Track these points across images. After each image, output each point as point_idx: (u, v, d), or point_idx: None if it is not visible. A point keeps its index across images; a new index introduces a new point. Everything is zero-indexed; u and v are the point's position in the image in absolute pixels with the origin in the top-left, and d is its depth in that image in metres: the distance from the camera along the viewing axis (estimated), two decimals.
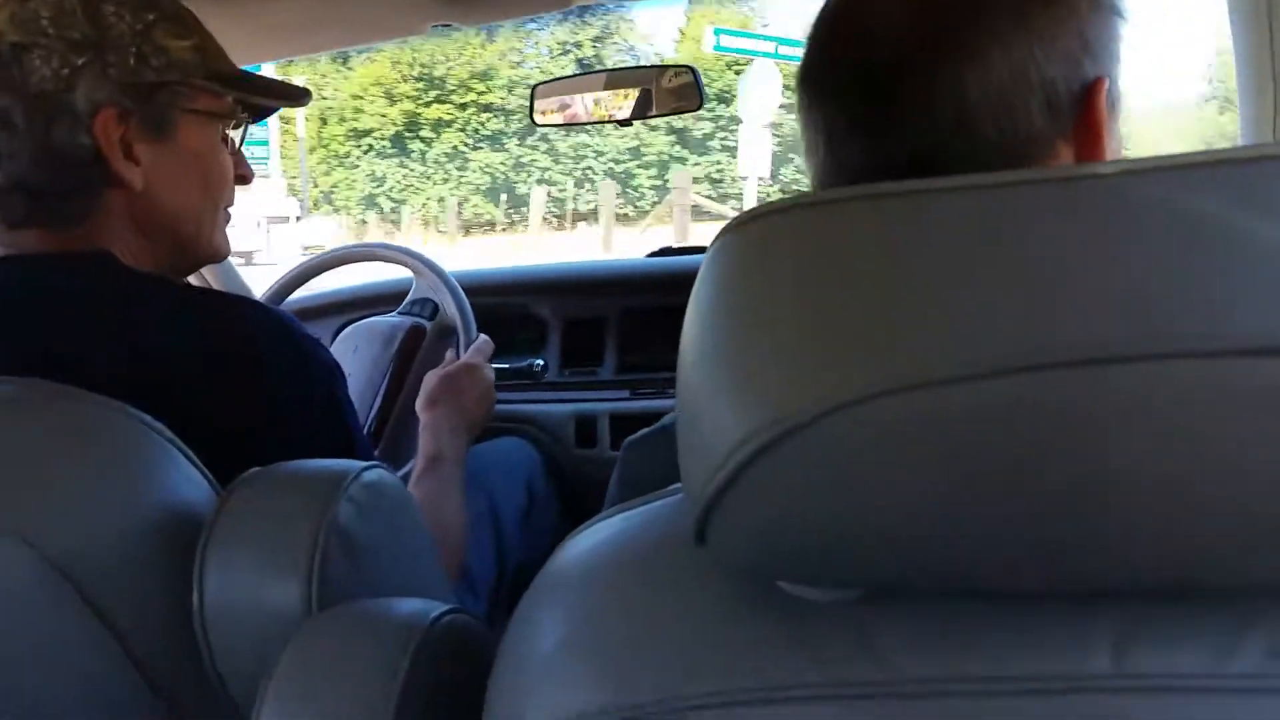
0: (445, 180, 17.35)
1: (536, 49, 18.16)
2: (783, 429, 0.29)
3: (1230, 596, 0.33)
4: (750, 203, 11.28)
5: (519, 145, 17.41)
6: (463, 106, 17.40)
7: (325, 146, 17.32)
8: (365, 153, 17.21)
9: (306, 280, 1.45)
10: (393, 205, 17.11)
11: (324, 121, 17.36)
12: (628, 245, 10.33)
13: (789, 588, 0.37)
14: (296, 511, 0.55)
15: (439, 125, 17.39)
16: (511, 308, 1.55)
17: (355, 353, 1.34)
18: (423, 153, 17.38)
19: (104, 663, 0.55)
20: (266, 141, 13.60)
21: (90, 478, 0.55)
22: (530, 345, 1.55)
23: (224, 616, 0.54)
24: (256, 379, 0.68)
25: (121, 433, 0.57)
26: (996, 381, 0.27)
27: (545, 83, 1.46)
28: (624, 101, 1.41)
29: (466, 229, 16.47)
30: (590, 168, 17.06)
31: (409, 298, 1.40)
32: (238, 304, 0.71)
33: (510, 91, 17.61)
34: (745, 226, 0.32)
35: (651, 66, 1.45)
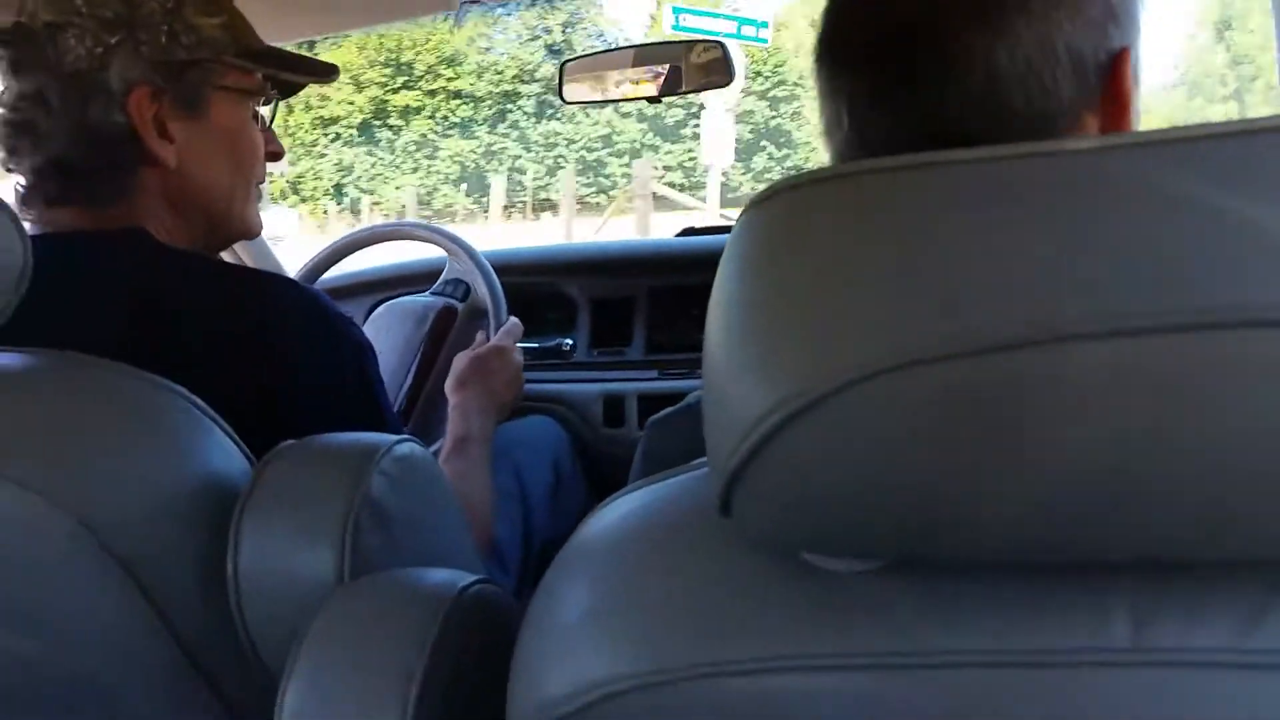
0: (415, 169, 17.18)
1: (505, 34, 18.00)
2: (807, 400, 0.29)
3: (1250, 572, 0.33)
4: (714, 192, 11.26)
5: (489, 133, 17.27)
6: (431, 93, 17.21)
7: (291, 135, 17.04)
8: (333, 141, 16.98)
9: (340, 259, 1.45)
10: (363, 195, 16.92)
11: (290, 109, 17.08)
12: (589, 235, 10.23)
13: (812, 559, 0.37)
14: (330, 483, 0.56)
15: (407, 112, 17.19)
16: (541, 287, 1.55)
17: (387, 332, 1.34)
18: (391, 141, 17.19)
19: (142, 634, 0.56)
20: None
21: (126, 447, 0.56)
22: (559, 325, 1.55)
23: (258, 585, 0.55)
24: (289, 355, 0.69)
25: (157, 404, 0.58)
26: (1015, 354, 0.27)
27: (574, 59, 1.45)
28: (653, 81, 1.40)
29: (427, 218, 16.35)
30: (562, 156, 16.95)
31: (442, 278, 1.40)
32: (271, 281, 0.72)
33: (479, 77, 17.45)
34: (770, 201, 0.32)
35: (680, 43, 1.44)
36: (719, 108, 10.02)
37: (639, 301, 1.52)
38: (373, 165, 17.13)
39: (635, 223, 10.02)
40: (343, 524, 0.55)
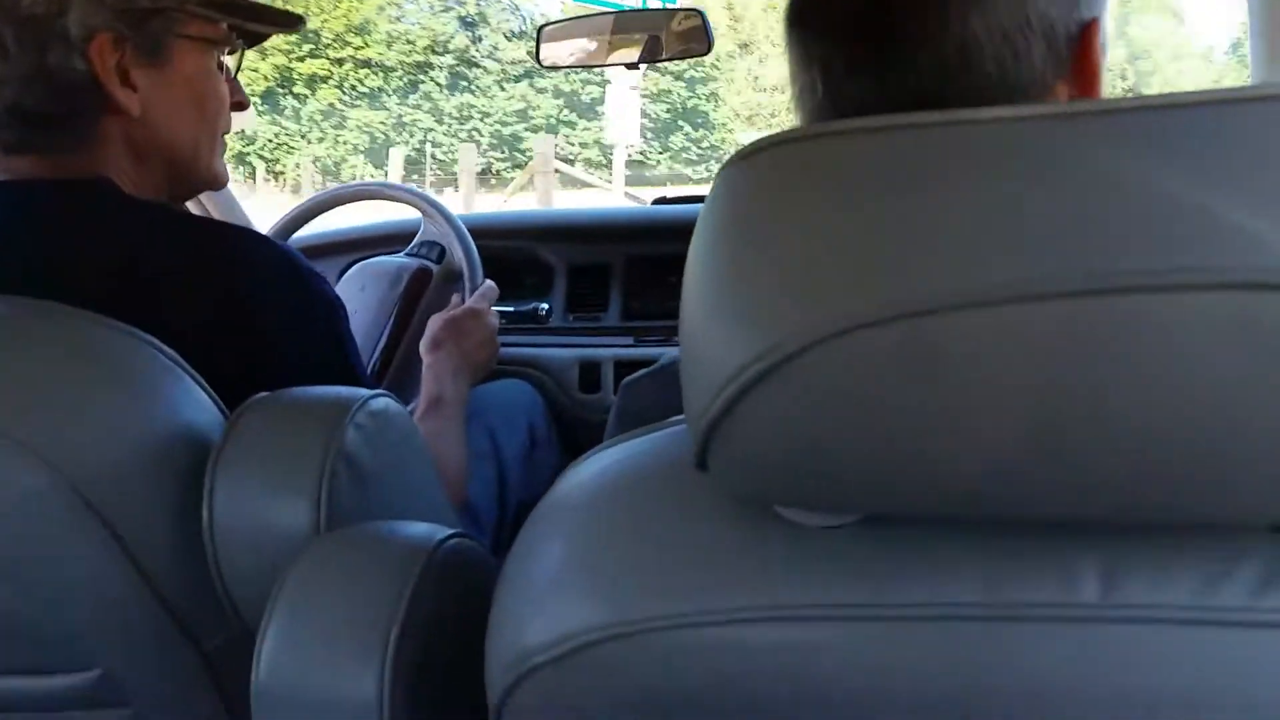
0: (321, 139, 16.63)
1: (417, 4, 17.55)
2: (782, 354, 0.30)
3: (1219, 532, 0.34)
4: (619, 171, 11.22)
5: (400, 104, 16.84)
6: (339, 62, 16.70)
7: None
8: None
9: (313, 216, 1.42)
10: (265, 164, 16.28)
11: None
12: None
13: (786, 513, 0.37)
14: (305, 435, 0.55)
15: (313, 81, 16.62)
16: (518, 252, 1.54)
17: (361, 292, 1.32)
18: (296, 110, 16.59)
19: (120, 585, 0.55)
20: None
21: (98, 396, 0.55)
22: (535, 289, 1.55)
23: (234, 537, 0.55)
24: (257, 308, 0.68)
25: (128, 354, 0.57)
26: (988, 310, 0.28)
27: (551, 24, 1.44)
28: (632, 47, 1.40)
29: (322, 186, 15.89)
30: (476, 129, 16.68)
31: (416, 239, 1.38)
32: (241, 235, 0.72)
33: (389, 47, 16.99)
34: (749, 159, 0.33)
35: (659, 10, 1.45)
36: (624, 84, 9.92)
37: (615, 268, 1.52)
38: (276, 134, 16.51)
39: (538, 200, 9.88)
40: (318, 476, 0.54)
